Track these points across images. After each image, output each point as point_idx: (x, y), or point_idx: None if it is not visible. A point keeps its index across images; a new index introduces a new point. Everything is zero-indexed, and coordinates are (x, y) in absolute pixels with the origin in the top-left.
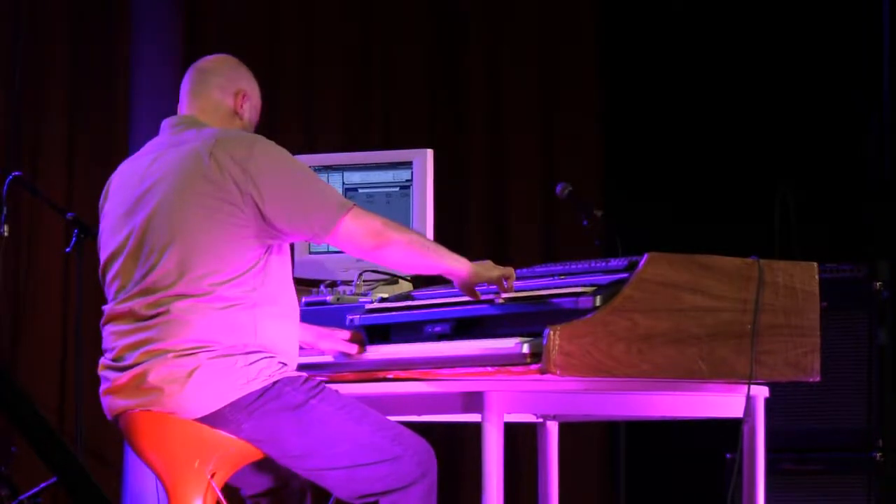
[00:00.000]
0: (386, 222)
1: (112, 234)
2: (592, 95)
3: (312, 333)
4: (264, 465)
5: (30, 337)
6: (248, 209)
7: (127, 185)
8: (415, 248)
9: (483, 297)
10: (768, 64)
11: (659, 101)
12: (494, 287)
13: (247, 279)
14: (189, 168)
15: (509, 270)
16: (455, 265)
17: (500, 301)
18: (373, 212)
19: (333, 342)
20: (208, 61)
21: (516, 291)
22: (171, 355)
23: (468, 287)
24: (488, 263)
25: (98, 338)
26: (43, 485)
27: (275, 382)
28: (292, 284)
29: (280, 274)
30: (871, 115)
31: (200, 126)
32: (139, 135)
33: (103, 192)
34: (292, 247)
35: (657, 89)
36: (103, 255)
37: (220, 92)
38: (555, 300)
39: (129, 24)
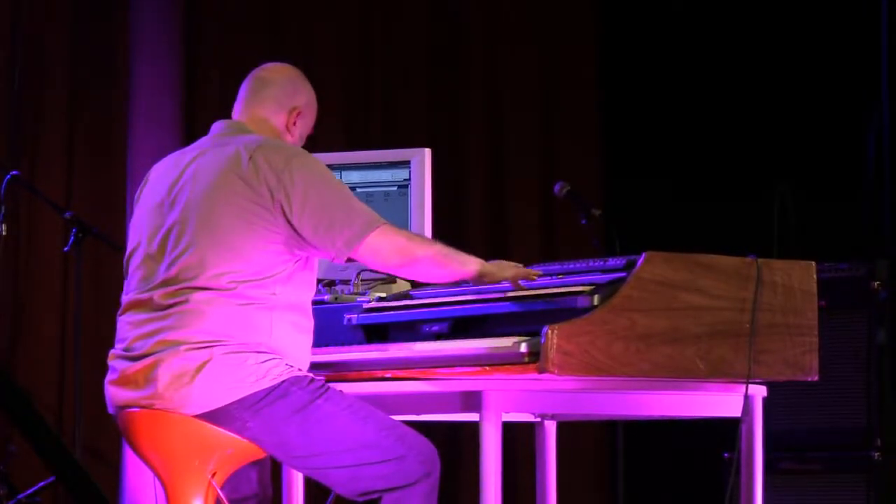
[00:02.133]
0: (410, 237)
1: (142, 223)
2: (592, 96)
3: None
4: (241, 472)
5: (28, 336)
6: (277, 216)
7: (165, 178)
8: (437, 260)
9: (480, 297)
10: (768, 63)
11: (658, 100)
12: (494, 286)
13: (269, 283)
14: (227, 167)
15: (525, 271)
16: (470, 269)
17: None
18: (398, 227)
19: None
20: (268, 70)
21: (515, 290)
22: (183, 347)
23: (482, 285)
24: (503, 263)
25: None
26: (41, 484)
27: (281, 382)
28: (311, 303)
29: (303, 289)
30: (870, 113)
31: (247, 133)
32: (138, 134)
33: (141, 184)
34: None
35: (657, 88)
36: (131, 244)
37: (274, 105)
38: (553, 299)
39: (128, 24)
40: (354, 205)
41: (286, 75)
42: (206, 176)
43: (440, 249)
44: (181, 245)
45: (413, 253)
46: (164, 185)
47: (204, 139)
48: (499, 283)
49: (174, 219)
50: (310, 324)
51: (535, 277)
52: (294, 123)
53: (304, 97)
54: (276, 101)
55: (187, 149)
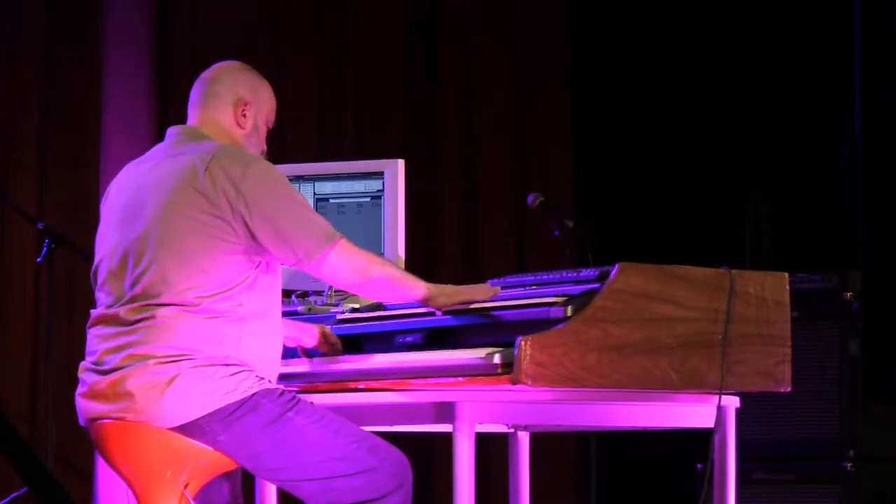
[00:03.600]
0: (369, 258)
1: (105, 239)
2: (565, 104)
3: (296, 328)
4: (214, 483)
5: (0, 346)
6: (237, 226)
7: (123, 192)
8: (391, 283)
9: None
10: (742, 72)
11: (632, 108)
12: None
13: (234, 294)
14: (184, 180)
15: (467, 296)
16: (417, 293)
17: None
18: (355, 244)
19: (312, 337)
20: (212, 70)
21: (489, 302)
22: (151, 362)
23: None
24: (446, 288)
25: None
26: (14, 494)
27: (252, 395)
28: (279, 304)
29: (268, 292)
30: (843, 125)
31: (202, 139)
32: (110, 143)
33: (104, 194)
34: None
35: (630, 96)
36: (96, 258)
37: (220, 102)
38: (526, 310)
39: (100, 32)
40: (313, 217)
41: (227, 70)
42: (164, 190)
43: (394, 271)
44: (143, 262)
45: (370, 273)
46: (122, 198)
47: (158, 147)
48: (440, 307)
49: (135, 235)
50: (278, 327)
51: (471, 304)
52: (243, 115)
53: (248, 87)
54: (220, 97)
55: (143, 158)
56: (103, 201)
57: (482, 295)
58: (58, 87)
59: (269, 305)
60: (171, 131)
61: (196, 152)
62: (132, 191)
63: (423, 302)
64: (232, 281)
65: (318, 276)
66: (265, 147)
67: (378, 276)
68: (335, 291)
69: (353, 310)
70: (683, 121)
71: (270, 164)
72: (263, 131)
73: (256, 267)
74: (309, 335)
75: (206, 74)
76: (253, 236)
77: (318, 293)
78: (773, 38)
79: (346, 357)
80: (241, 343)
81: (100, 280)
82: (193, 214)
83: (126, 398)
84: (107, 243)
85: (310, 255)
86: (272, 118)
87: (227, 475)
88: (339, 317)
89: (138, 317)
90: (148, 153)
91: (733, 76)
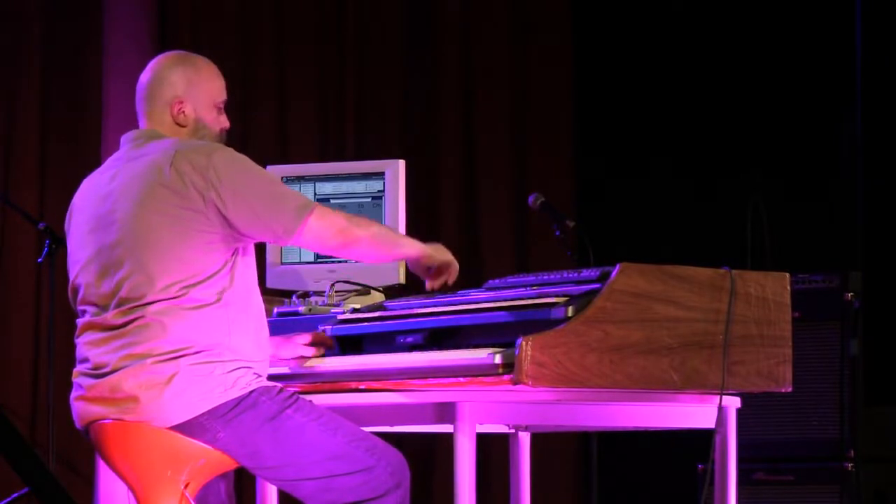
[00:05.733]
0: (350, 218)
1: (79, 251)
2: (565, 104)
3: (272, 344)
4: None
5: (1, 347)
6: (211, 215)
7: (89, 203)
8: (378, 241)
9: (454, 308)
10: (742, 72)
11: (633, 107)
12: (469, 297)
13: (216, 281)
14: (150, 180)
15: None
16: (411, 250)
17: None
18: (335, 209)
19: (293, 349)
20: (145, 71)
21: (490, 302)
22: (149, 360)
23: (421, 267)
24: (440, 246)
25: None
26: (15, 495)
27: (251, 392)
28: (257, 286)
29: (247, 275)
30: (844, 124)
31: (159, 138)
32: (112, 145)
33: (68, 212)
34: (262, 254)
35: (631, 95)
36: (72, 273)
37: (158, 105)
38: (527, 311)
39: (101, 32)
40: (284, 190)
41: (159, 69)
42: (132, 193)
43: (379, 230)
44: (124, 268)
45: (353, 233)
46: (90, 210)
47: (116, 155)
48: (437, 264)
49: (110, 242)
50: (260, 306)
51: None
52: (181, 113)
53: (181, 82)
54: (157, 100)
55: (102, 169)
56: (67, 219)
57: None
58: (58, 87)
59: (250, 288)
60: (126, 137)
61: (157, 151)
62: (97, 202)
63: (418, 259)
64: (213, 268)
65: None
66: (226, 125)
67: (362, 235)
68: (336, 292)
69: (354, 310)
70: (684, 120)
71: (232, 150)
72: (213, 115)
73: (234, 252)
74: (285, 348)
75: (142, 77)
76: (229, 223)
77: (319, 293)
78: (774, 37)
79: (347, 357)
80: (230, 329)
81: (80, 296)
82: (166, 210)
83: (125, 399)
84: (81, 257)
85: (288, 229)
86: (220, 96)
87: (222, 476)
88: (339, 317)
89: (127, 319)
90: (104, 165)
91: (734, 76)
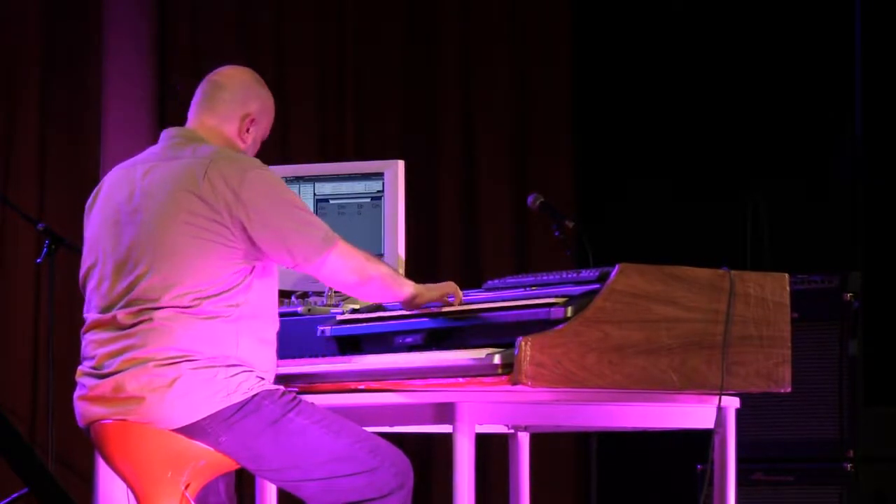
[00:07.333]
0: (366, 256)
1: (98, 242)
2: (565, 104)
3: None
4: (210, 483)
5: (1, 347)
6: (236, 231)
7: (116, 194)
8: (386, 281)
9: (454, 308)
10: (742, 72)
11: (632, 108)
12: (468, 298)
13: (231, 296)
14: (182, 185)
15: (449, 287)
16: (406, 290)
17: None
18: (352, 245)
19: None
20: (222, 74)
21: (489, 302)
22: (151, 364)
23: (414, 306)
24: (431, 285)
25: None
26: (14, 495)
27: (253, 396)
28: (276, 304)
29: (265, 294)
30: (844, 125)
31: (199, 143)
32: (110, 144)
33: (92, 195)
34: None
35: (631, 96)
36: (86, 262)
37: (226, 112)
38: (526, 311)
39: (101, 33)
40: (311, 219)
41: (239, 80)
42: (161, 194)
43: (388, 270)
44: (140, 267)
45: (368, 272)
46: (117, 200)
47: (153, 149)
48: (427, 303)
49: (131, 239)
50: (275, 328)
51: (460, 297)
52: (247, 130)
53: (258, 103)
54: (228, 107)
55: (137, 159)
56: (94, 197)
57: (453, 289)
58: (58, 87)
59: (266, 306)
60: (166, 134)
61: (193, 157)
62: (125, 196)
63: (410, 299)
64: (229, 283)
65: (318, 277)
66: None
67: (375, 275)
68: (335, 292)
69: (353, 310)
70: (684, 120)
71: (268, 169)
72: (259, 145)
73: (253, 269)
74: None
75: (216, 78)
76: (252, 241)
77: (319, 294)
78: (774, 37)
79: (347, 357)
80: (239, 342)
81: (92, 283)
82: (191, 220)
83: (128, 402)
84: (99, 247)
85: (308, 258)
86: (268, 131)
87: (222, 476)
88: (339, 317)
89: (136, 320)
90: (139, 156)
91: (734, 76)
